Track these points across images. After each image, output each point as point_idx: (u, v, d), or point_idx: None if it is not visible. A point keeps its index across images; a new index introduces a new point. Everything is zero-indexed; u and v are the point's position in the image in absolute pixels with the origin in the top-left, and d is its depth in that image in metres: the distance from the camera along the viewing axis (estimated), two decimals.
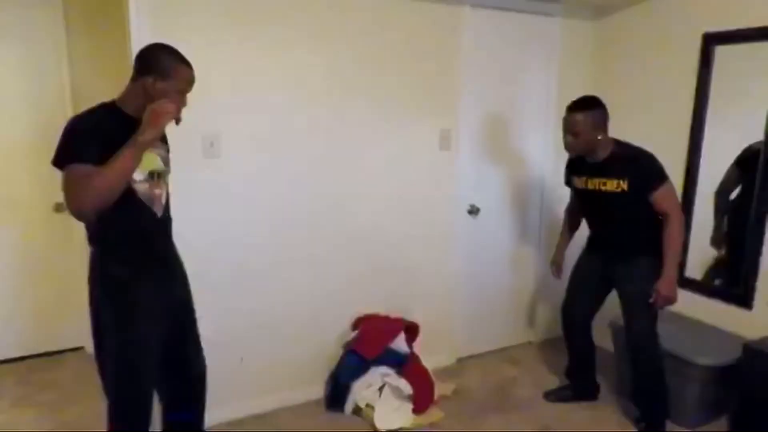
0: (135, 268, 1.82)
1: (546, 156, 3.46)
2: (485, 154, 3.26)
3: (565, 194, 3.58)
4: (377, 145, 2.88)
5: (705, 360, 2.56)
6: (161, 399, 2.13)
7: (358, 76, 2.76)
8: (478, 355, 3.46)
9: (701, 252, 3.01)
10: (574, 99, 2.50)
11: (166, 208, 1.94)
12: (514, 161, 3.39)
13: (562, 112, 3.40)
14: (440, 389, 2.93)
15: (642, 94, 3.21)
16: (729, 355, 2.56)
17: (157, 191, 1.85)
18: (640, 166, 2.42)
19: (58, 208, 3.14)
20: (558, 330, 3.62)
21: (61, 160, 1.68)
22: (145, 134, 1.67)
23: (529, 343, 3.64)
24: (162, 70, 1.74)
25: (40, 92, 3.10)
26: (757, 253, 2.69)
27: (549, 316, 3.58)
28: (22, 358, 3.27)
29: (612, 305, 3.23)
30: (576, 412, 2.84)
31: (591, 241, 2.78)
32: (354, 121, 2.79)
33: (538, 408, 2.89)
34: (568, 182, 2.75)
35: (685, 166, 2.98)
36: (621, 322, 2.93)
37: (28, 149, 3.07)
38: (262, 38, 2.50)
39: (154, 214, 1.85)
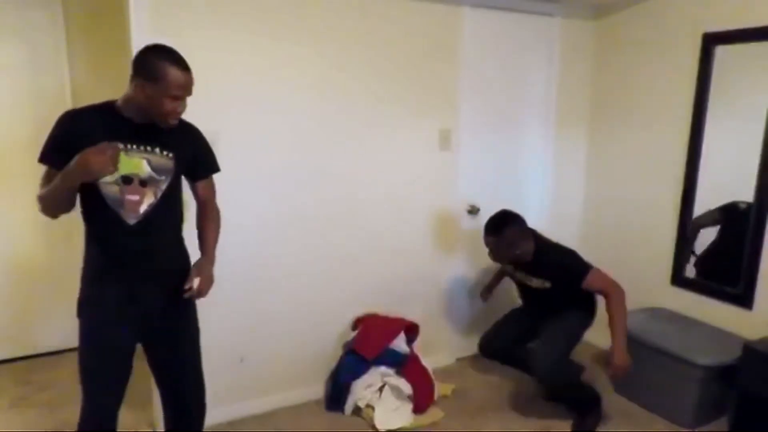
0: (98, 273, 1.79)
1: (546, 156, 3.45)
2: (485, 154, 3.26)
3: (563, 195, 3.59)
4: (377, 145, 2.88)
5: (705, 360, 2.56)
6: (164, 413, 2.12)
7: (358, 77, 2.76)
8: (478, 355, 3.44)
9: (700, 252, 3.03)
10: (491, 218, 2.66)
11: (148, 217, 1.77)
12: (514, 161, 3.39)
13: (563, 112, 3.44)
14: (440, 389, 2.93)
15: (642, 94, 3.21)
16: (729, 355, 2.56)
17: (132, 197, 1.72)
18: (560, 270, 2.60)
19: None
20: None
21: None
22: (70, 175, 1.60)
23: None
24: (150, 72, 1.64)
25: (40, 92, 3.10)
26: (757, 253, 2.69)
27: None
28: (22, 358, 3.27)
29: None
30: None
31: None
32: (354, 121, 2.79)
33: (538, 408, 2.89)
34: None
35: (684, 166, 2.98)
36: None
37: (28, 149, 3.05)
38: (262, 38, 2.50)
39: (122, 221, 1.73)
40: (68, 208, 1.73)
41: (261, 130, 2.58)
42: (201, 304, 2.59)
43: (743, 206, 2.77)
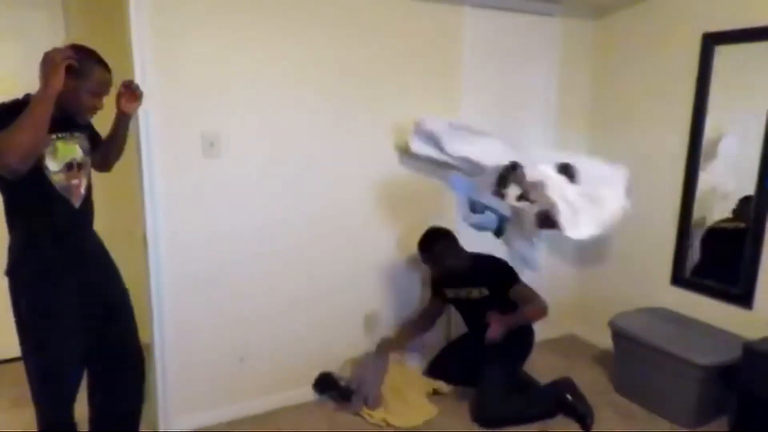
0: (47, 264, 1.83)
1: None
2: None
3: None
4: (377, 145, 2.88)
5: (705, 360, 2.56)
6: (89, 390, 2.15)
7: (358, 77, 2.75)
8: None
9: (698, 252, 3.03)
10: (420, 239, 2.84)
11: (86, 199, 1.92)
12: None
13: (563, 113, 3.44)
14: (439, 388, 2.93)
15: (642, 94, 3.20)
16: (729, 355, 2.56)
17: (75, 182, 1.86)
18: (496, 270, 2.83)
19: None
20: (557, 330, 3.63)
21: None
22: (53, 83, 1.65)
23: None
24: (77, 70, 1.76)
25: None
26: (758, 253, 2.69)
27: (549, 316, 3.57)
28: (23, 358, 3.26)
29: (612, 303, 3.23)
30: None
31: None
32: (353, 121, 2.79)
33: None
34: (436, 293, 3.00)
35: (684, 167, 2.98)
36: (620, 321, 2.97)
37: None
38: (262, 38, 2.50)
39: (71, 206, 1.86)
40: (40, 144, 1.68)
41: (261, 131, 2.57)
42: (201, 304, 2.61)
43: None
